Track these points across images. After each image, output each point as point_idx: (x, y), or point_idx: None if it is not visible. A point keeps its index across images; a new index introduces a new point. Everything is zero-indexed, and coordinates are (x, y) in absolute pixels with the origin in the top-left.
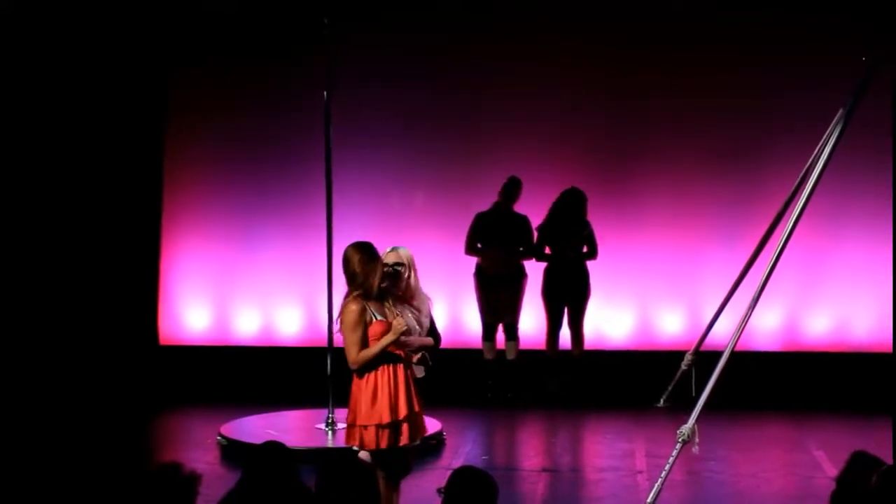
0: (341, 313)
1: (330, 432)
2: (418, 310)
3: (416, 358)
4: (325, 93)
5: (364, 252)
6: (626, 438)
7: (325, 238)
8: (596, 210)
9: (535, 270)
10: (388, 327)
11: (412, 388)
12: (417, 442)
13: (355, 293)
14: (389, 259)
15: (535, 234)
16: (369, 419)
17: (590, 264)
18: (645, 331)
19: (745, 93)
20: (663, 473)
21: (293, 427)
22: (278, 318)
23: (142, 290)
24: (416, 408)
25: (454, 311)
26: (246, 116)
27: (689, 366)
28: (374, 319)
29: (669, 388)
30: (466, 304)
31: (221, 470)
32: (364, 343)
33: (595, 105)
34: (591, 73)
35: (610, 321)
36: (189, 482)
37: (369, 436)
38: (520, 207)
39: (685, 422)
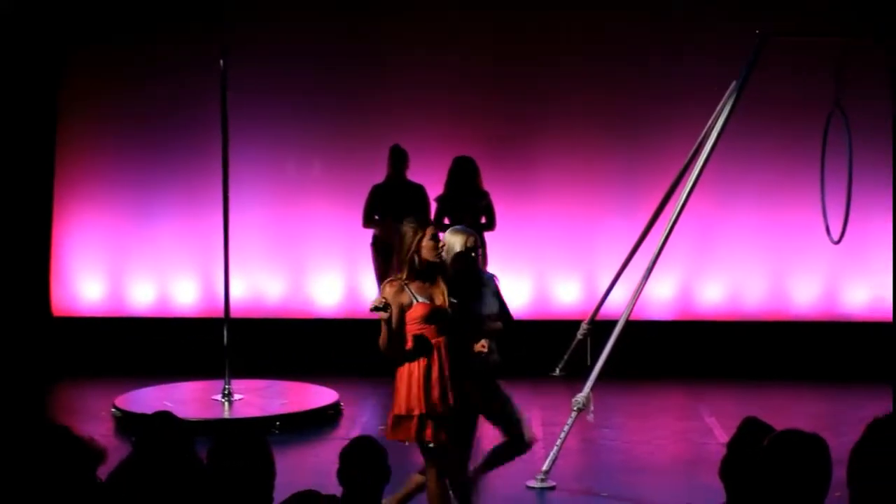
0: (379, 294)
1: (226, 403)
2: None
3: (479, 346)
4: (220, 61)
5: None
6: (522, 407)
7: (220, 208)
8: (491, 179)
9: None
10: (428, 310)
11: (453, 382)
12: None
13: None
14: (459, 240)
15: (435, 205)
16: (412, 409)
17: (487, 234)
18: (541, 300)
19: (640, 61)
20: (559, 441)
21: (189, 398)
22: (174, 289)
23: (34, 261)
24: (457, 403)
25: (351, 282)
26: (140, 86)
27: (585, 335)
28: (414, 301)
29: (565, 357)
30: (363, 274)
31: (116, 442)
32: (400, 326)
33: (490, 74)
34: (483, 41)
35: (506, 290)
36: (95, 457)
37: (410, 427)
38: (418, 177)
39: (580, 390)
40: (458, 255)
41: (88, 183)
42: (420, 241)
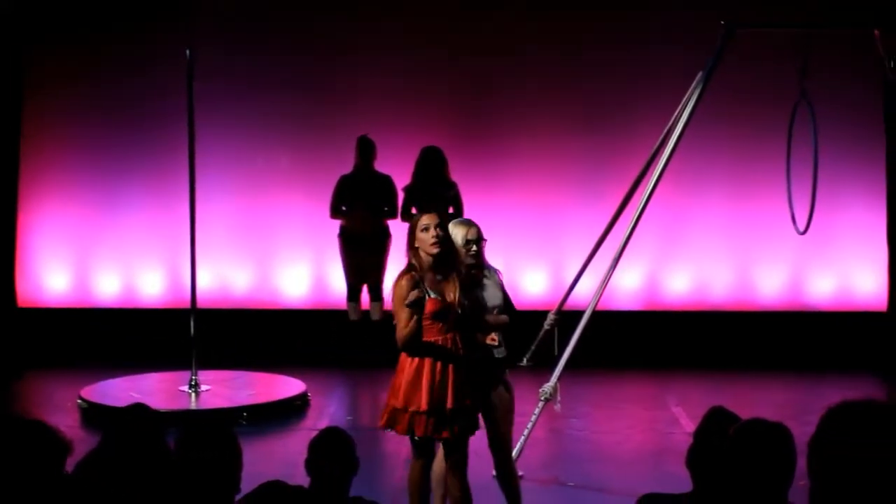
0: (392, 287)
1: (193, 394)
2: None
3: (489, 339)
4: (187, 51)
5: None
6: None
7: (187, 199)
8: (458, 169)
9: (399, 230)
10: (440, 306)
11: (462, 379)
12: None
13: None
14: (460, 232)
15: (402, 195)
16: (409, 403)
17: None
18: (508, 290)
19: (607, 51)
20: (526, 431)
21: (156, 389)
22: (140, 280)
23: None
24: (468, 401)
25: (318, 273)
26: (107, 77)
27: (552, 325)
28: (426, 297)
29: (532, 347)
30: (331, 265)
31: (82, 433)
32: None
33: (457, 65)
34: (450, 31)
35: None
36: (63, 449)
37: (405, 421)
38: (385, 168)
39: (548, 380)
40: (458, 249)
41: (54, 174)
42: (414, 233)
